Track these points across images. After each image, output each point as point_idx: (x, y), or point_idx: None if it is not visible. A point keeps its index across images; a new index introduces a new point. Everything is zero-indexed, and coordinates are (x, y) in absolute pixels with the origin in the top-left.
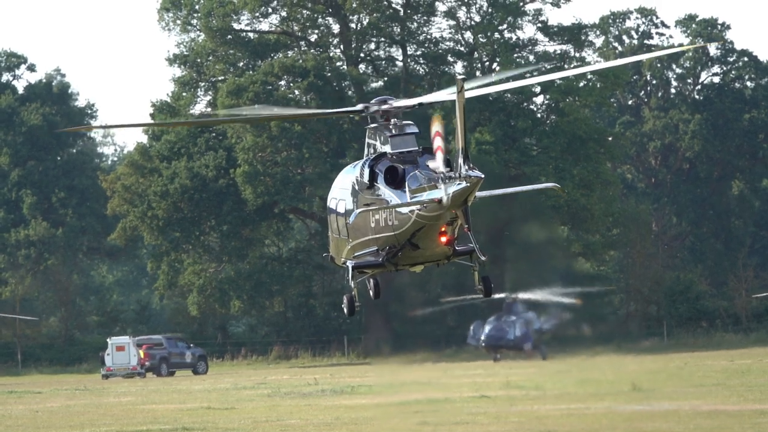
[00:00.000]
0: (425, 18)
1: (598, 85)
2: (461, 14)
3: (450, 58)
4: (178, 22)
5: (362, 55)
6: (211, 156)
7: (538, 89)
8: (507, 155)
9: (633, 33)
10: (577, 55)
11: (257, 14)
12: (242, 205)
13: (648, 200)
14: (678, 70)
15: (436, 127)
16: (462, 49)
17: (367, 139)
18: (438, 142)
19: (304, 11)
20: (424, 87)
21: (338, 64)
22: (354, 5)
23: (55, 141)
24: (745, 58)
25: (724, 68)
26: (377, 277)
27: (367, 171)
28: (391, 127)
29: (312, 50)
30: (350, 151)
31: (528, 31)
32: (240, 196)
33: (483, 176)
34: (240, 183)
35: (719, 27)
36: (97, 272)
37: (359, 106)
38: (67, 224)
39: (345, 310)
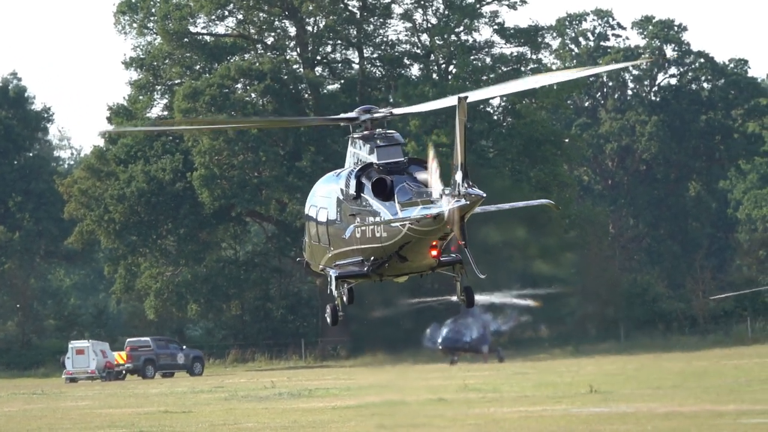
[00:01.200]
0: (381, 20)
1: (555, 87)
2: (417, 17)
3: (406, 61)
4: (135, 25)
5: (319, 57)
6: (168, 159)
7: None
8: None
9: (589, 35)
10: (534, 57)
11: (213, 17)
12: (199, 209)
13: (605, 202)
14: (635, 72)
15: (432, 153)
16: (418, 51)
17: (350, 148)
18: (434, 165)
19: (261, 14)
20: (380, 89)
21: (295, 66)
22: (310, 8)
23: (11, 145)
24: (702, 60)
25: (681, 70)
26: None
27: (353, 181)
28: (376, 136)
29: (268, 53)
30: (307, 154)
31: (484, 33)
32: (197, 199)
33: (484, 195)
34: (197, 186)
35: (676, 28)
36: (54, 276)
37: (352, 114)
38: (24, 228)
39: (328, 320)
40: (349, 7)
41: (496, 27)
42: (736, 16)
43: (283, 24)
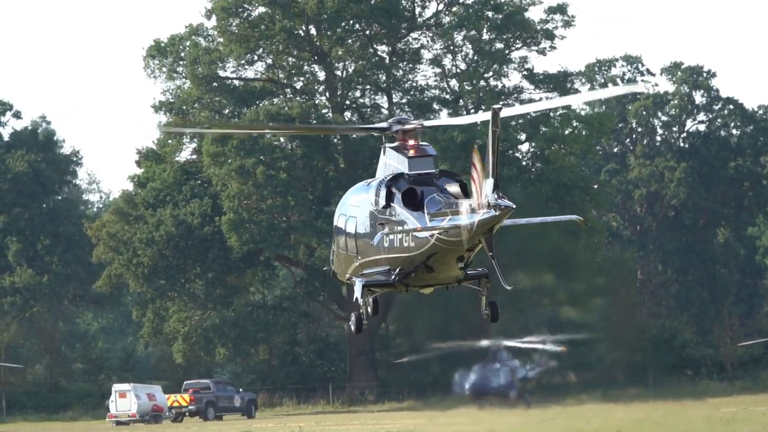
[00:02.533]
0: (411, 65)
1: (584, 133)
2: (447, 62)
3: (435, 106)
4: (164, 69)
5: (348, 102)
6: (197, 203)
7: (523, 137)
8: None
9: (618, 81)
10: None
11: (243, 62)
12: (227, 253)
13: (633, 248)
14: (664, 118)
15: (476, 159)
16: (447, 96)
17: (383, 158)
18: (475, 175)
19: (290, 59)
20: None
21: (324, 111)
22: (340, 53)
23: (41, 188)
24: (731, 106)
25: (710, 116)
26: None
27: (384, 191)
28: (408, 147)
29: (297, 97)
30: (335, 199)
31: (513, 78)
32: (225, 243)
33: (514, 206)
34: (225, 230)
35: (705, 74)
36: (83, 319)
37: (384, 124)
38: (53, 271)
39: (353, 328)
40: (379, 52)
41: (525, 73)
42: (765, 62)
43: (312, 68)
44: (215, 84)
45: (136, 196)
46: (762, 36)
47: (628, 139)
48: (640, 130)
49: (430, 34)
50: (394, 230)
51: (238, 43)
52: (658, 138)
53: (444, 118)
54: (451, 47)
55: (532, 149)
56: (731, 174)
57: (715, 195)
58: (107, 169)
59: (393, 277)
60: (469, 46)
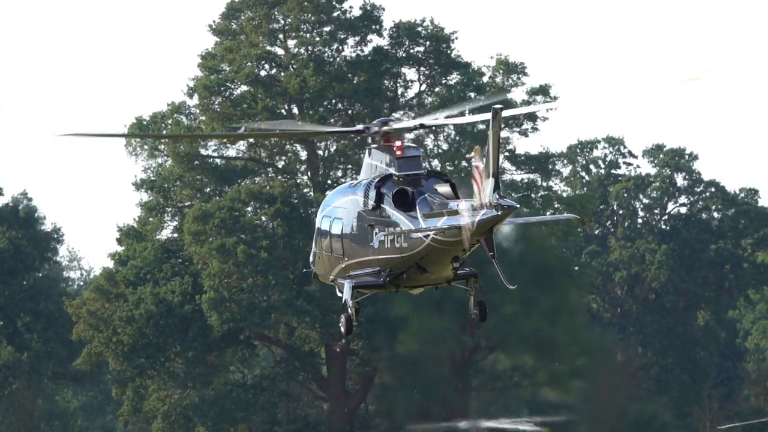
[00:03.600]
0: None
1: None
2: (429, 142)
3: None
4: (146, 147)
5: (329, 182)
6: (177, 282)
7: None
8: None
9: (600, 162)
10: (545, 184)
11: (224, 140)
12: (208, 331)
13: (614, 330)
14: (645, 200)
15: (477, 161)
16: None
17: (368, 159)
18: (476, 175)
19: (272, 137)
20: None
21: (305, 190)
22: None
23: (21, 265)
24: (713, 189)
25: (692, 198)
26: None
27: (373, 192)
28: (395, 148)
29: (279, 176)
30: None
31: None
32: (206, 322)
33: (517, 206)
34: (206, 309)
35: (687, 157)
36: (62, 397)
37: (360, 126)
38: (32, 349)
39: (342, 329)
40: None
41: (507, 153)
42: (747, 145)
43: (294, 147)
44: (197, 162)
45: (116, 274)
46: (744, 119)
47: (609, 221)
48: (621, 212)
49: (413, 114)
50: (394, 231)
51: (221, 121)
52: (640, 220)
53: (441, 119)
54: (433, 127)
55: (512, 231)
56: (712, 257)
57: (695, 278)
58: (88, 246)
59: (383, 278)
60: (451, 126)
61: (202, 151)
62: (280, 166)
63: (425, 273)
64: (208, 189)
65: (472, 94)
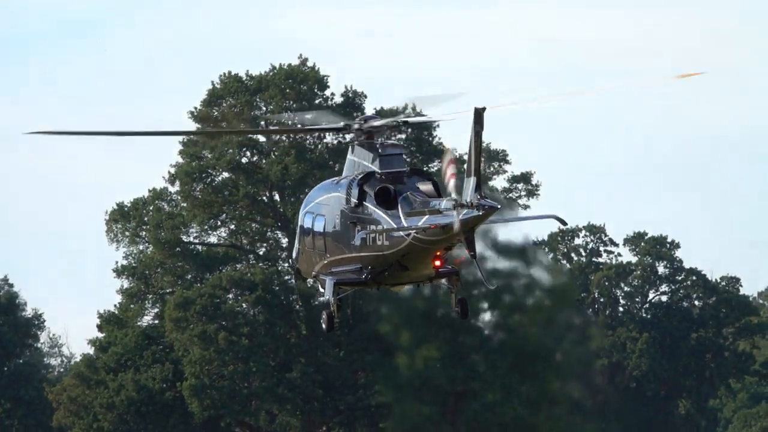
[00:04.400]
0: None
1: (547, 303)
2: None
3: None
4: (127, 233)
5: None
6: (158, 369)
7: (486, 305)
8: (454, 372)
9: (582, 250)
10: (526, 272)
11: (206, 227)
12: (189, 418)
13: (594, 419)
14: (626, 289)
15: (448, 156)
16: None
17: (350, 156)
18: (452, 170)
19: (253, 224)
20: (372, 302)
21: (287, 278)
22: None
23: (2, 351)
24: (694, 277)
25: (673, 287)
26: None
27: (355, 190)
28: (378, 146)
29: (260, 263)
30: (297, 366)
31: (477, 247)
32: (187, 409)
33: (498, 206)
34: (187, 396)
35: (668, 245)
36: None
37: (341, 124)
38: None
39: (324, 326)
40: None
41: (488, 241)
42: (728, 234)
43: (275, 234)
44: (178, 249)
45: (97, 360)
46: (725, 209)
47: (590, 309)
48: (602, 300)
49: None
50: (377, 229)
51: (202, 208)
52: (621, 308)
53: (424, 117)
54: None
55: (494, 318)
56: (693, 345)
57: (676, 366)
58: (69, 333)
59: (365, 275)
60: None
61: (184, 238)
62: (261, 253)
63: (407, 271)
64: (190, 276)
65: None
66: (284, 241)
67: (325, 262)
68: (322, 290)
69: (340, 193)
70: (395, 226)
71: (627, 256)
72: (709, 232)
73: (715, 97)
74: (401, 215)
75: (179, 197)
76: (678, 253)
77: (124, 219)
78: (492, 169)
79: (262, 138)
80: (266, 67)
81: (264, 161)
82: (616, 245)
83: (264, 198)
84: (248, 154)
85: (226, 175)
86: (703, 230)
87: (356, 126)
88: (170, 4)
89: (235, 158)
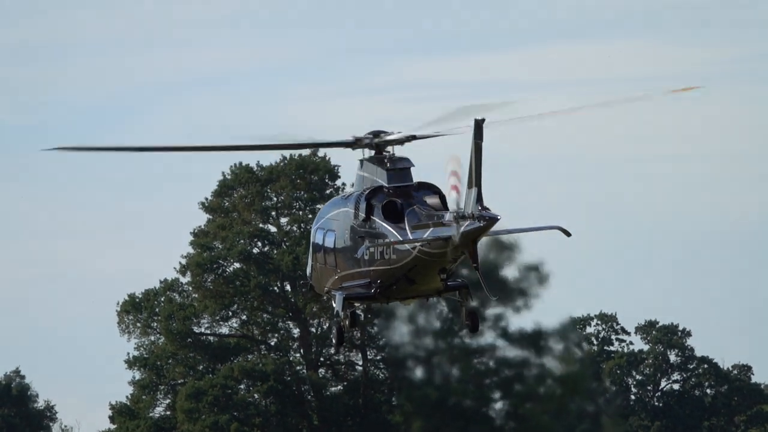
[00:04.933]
0: (385, 322)
1: (558, 392)
2: (421, 319)
3: (409, 363)
4: (138, 324)
5: (322, 359)
6: None
7: (497, 395)
8: None
9: (593, 339)
10: (537, 361)
11: (217, 317)
12: None
13: None
14: (638, 377)
15: (453, 166)
16: (421, 354)
17: (359, 171)
18: (453, 182)
19: (265, 315)
20: (383, 391)
21: (298, 368)
22: (314, 309)
23: None
24: (705, 366)
25: (684, 375)
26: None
27: (363, 204)
28: (386, 160)
29: (272, 354)
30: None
31: (488, 336)
32: None
33: (499, 217)
34: None
35: (680, 333)
36: None
37: (350, 138)
38: None
39: (334, 340)
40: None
41: (499, 330)
42: (740, 321)
43: (287, 325)
44: (190, 340)
45: None
46: (736, 296)
47: (602, 398)
48: (614, 389)
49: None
50: (378, 243)
51: (213, 299)
52: (633, 397)
53: (434, 133)
54: (426, 305)
55: (505, 407)
56: None
57: None
58: (81, 424)
59: (374, 289)
60: (444, 304)
61: (195, 329)
62: (272, 344)
63: (414, 284)
64: (201, 366)
65: (465, 271)
66: (296, 331)
67: (336, 277)
68: (334, 305)
69: (349, 208)
70: (401, 239)
71: (639, 344)
72: (720, 319)
73: (726, 183)
74: (407, 228)
75: (190, 288)
76: (689, 341)
77: (136, 310)
78: (503, 257)
79: (272, 228)
80: (277, 157)
81: (275, 251)
82: (628, 333)
83: (275, 288)
84: (259, 244)
85: (237, 265)
86: (714, 318)
87: (365, 141)
88: (179, 96)
89: (246, 249)
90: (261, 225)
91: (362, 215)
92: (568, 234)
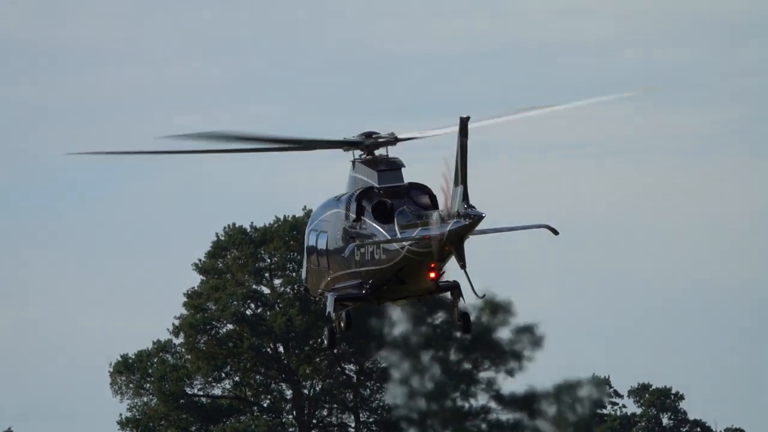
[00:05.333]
0: (378, 385)
1: None
2: (414, 381)
3: (402, 425)
4: (131, 385)
5: (315, 421)
6: None
7: None
8: None
9: (585, 402)
10: (531, 423)
11: (210, 379)
12: None
13: None
14: None
15: (444, 169)
16: (414, 416)
17: (351, 173)
18: (443, 184)
19: (257, 376)
20: None
21: (291, 430)
22: (307, 371)
23: None
24: (698, 429)
25: None
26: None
27: (354, 205)
28: (378, 161)
29: (264, 416)
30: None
31: (481, 398)
32: None
33: (484, 215)
34: None
35: (672, 396)
36: None
37: (342, 139)
38: None
39: (326, 342)
40: (346, 371)
41: (492, 393)
42: (733, 385)
43: (279, 386)
44: (182, 401)
45: None
46: (730, 359)
47: None
48: None
49: (398, 354)
50: (364, 242)
51: (206, 360)
52: None
53: (418, 131)
54: (419, 367)
55: None
56: None
57: None
58: None
59: (365, 290)
60: (437, 366)
61: (188, 390)
62: (265, 405)
63: (404, 284)
64: (194, 428)
65: (458, 333)
66: (288, 393)
67: (329, 279)
68: (327, 306)
69: (340, 209)
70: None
71: (631, 407)
72: (713, 383)
73: (720, 249)
74: (397, 228)
75: (183, 349)
76: (682, 405)
77: (129, 371)
78: (497, 320)
79: (266, 290)
80: (270, 219)
81: (268, 313)
82: (621, 396)
83: (268, 350)
84: (252, 306)
85: (230, 327)
86: (707, 381)
87: (357, 142)
88: (173, 158)
89: (239, 310)
90: (254, 286)
91: (353, 216)
92: (555, 233)
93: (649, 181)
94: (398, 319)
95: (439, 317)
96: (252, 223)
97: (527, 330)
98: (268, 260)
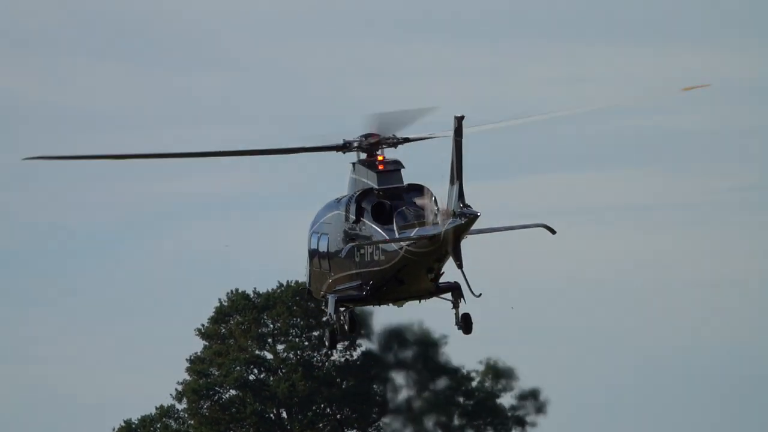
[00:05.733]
0: None
1: None
2: None
3: None
4: None
5: None
6: None
7: None
8: None
9: None
10: None
11: None
12: None
13: None
14: None
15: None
16: None
17: (352, 174)
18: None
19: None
20: None
21: None
22: None
23: None
24: None
25: None
26: (353, 312)
27: (354, 206)
28: (377, 163)
29: None
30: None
31: None
32: None
33: (479, 214)
34: None
35: None
36: None
37: (341, 141)
38: None
39: (326, 343)
40: None
41: None
42: None
43: None
44: None
45: None
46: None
47: None
48: None
49: (401, 419)
50: (361, 243)
51: (209, 425)
52: None
53: (418, 133)
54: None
55: None
56: None
57: None
58: None
59: (365, 291)
60: None
61: None
62: None
63: (404, 285)
64: None
65: (461, 399)
66: None
67: (330, 281)
68: (328, 308)
69: (341, 211)
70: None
71: None
72: None
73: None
74: (395, 229)
75: (186, 414)
76: None
77: None
78: (499, 386)
79: (269, 355)
80: (273, 284)
81: (271, 378)
82: None
83: (271, 415)
84: (255, 371)
85: (233, 392)
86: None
87: (356, 144)
88: (173, 222)
89: (242, 375)
90: (257, 352)
91: (353, 218)
92: (553, 231)
93: (655, 245)
94: (401, 385)
95: (441, 383)
96: (255, 288)
97: (531, 395)
98: (271, 326)
